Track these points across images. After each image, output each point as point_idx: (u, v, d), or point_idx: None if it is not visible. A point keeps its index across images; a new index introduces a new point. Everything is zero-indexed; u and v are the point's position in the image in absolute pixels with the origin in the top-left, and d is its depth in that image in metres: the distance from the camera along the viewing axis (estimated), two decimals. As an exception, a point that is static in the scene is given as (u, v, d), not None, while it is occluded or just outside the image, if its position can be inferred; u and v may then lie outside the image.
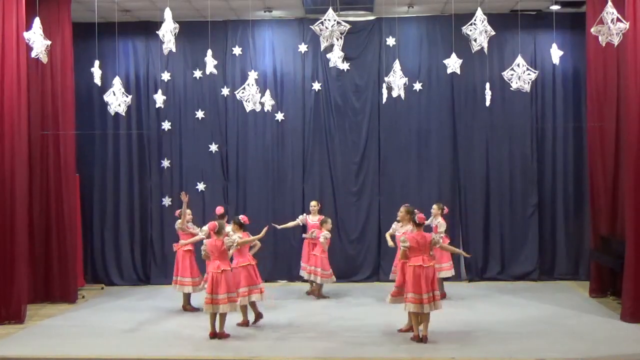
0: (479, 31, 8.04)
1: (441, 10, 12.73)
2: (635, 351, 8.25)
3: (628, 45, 9.42)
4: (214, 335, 8.97)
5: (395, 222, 10.48)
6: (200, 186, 13.19)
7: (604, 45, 7.96)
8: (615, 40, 7.65)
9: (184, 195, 10.56)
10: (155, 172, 13.30)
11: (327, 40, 7.89)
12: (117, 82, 9.32)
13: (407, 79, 10.60)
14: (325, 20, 7.80)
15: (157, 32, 8.25)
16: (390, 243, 10.31)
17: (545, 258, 12.99)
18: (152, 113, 13.24)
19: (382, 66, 12.90)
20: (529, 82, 8.84)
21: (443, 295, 10.30)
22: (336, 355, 8.32)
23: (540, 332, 9.13)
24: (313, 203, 11.98)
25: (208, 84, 13.19)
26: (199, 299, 10.60)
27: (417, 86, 12.98)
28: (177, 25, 8.10)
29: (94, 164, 13.24)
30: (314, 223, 11.67)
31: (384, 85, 10.99)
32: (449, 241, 10.93)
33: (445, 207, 11.35)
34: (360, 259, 13.10)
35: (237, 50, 13.16)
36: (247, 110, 10.66)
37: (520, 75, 8.77)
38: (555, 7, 12.06)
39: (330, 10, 7.83)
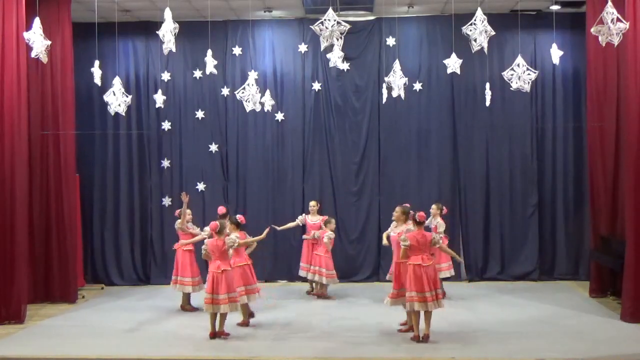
0: (479, 31, 8.03)
1: (441, 10, 12.73)
2: (635, 351, 8.25)
3: (628, 45, 9.42)
4: (214, 335, 8.97)
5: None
6: (200, 186, 13.19)
7: (604, 45, 7.96)
8: (615, 40, 7.65)
9: (184, 196, 10.56)
10: (155, 172, 13.30)
11: (327, 40, 7.89)
12: (117, 82, 9.32)
13: (407, 79, 10.60)
14: (325, 20, 7.79)
15: (157, 32, 8.25)
16: (384, 242, 10.25)
17: (545, 258, 12.99)
18: (152, 113, 13.25)
19: (382, 66, 12.90)
20: (529, 82, 8.84)
21: (443, 295, 10.28)
22: (336, 355, 8.32)
23: (540, 332, 9.13)
24: (312, 203, 11.98)
25: (208, 84, 13.19)
26: (199, 299, 10.60)
27: (417, 86, 12.98)
28: (177, 25, 8.09)
29: (94, 164, 13.24)
30: (314, 223, 11.67)
31: (384, 85, 10.99)
32: (447, 241, 10.93)
33: (444, 207, 11.35)
34: (360, 259, 13.10)
35: (237, 50, 13.16)
36: (247, 110, 10.67)
37: (520, 75, 8.77)
38: (555, 7, 12.06)
39: (330, 10, 7.83)
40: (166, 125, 13.24)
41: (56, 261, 11.31)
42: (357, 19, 12.84)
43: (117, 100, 9.24)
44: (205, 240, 9.36)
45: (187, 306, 10.71)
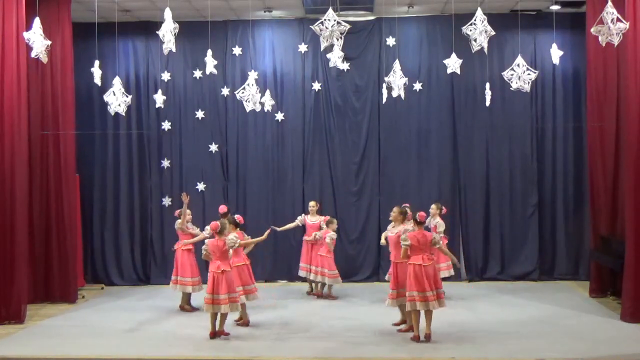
0: (479, 31, 8.03)
1: (441, 10, 12.73)
2: (635, 351, 8.25)
3: (628, 45, 9.42)
4: (214, 335, 8.97)
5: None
6: (200, 186, 13.19)
7: (604, 45, 7.96)
8: (615, 40, 7.65)
9: (184, 196, 10.55)
10: (155, 172, 13.30)
11: (327, 40, 7.88)
12: (117, 82, 9.32)
13: (407, 79, 10.60)
14: (325, 20, 7.79)
15: (157, 32, 8.25)
16: (382, 241, 10.19)
17: (545, 258, 12.99)
18: (152, 113, 13.24)
19: (382, 66, 12.90)
20: (529, 82, 8.84)
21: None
22: (336, 355, 8.32)
23: (540, 332, 9.13)
24: (312, 203, 11.98)
25: (208, 84, 13.19)
26: (199, 299, 10.60)
27: (417, 86, 12.98)
28: (177, 25, 8.09)
29: (94, 164, 13.24)
30: (313, 223, 11.67)
31: (384, 85, 10.99)
32: (446, 241, 10.92)
33: (443, 207, 11.36)
34: (360, 259, 13.10)
35: (237, 50, 13.16)
36: (247, 110, 10.66)
37: (520, 75, 8.77)
38: (555, 7, 12.06)
39: (330, 10, 7.83)
40: (166, 125, 13.24)
41: (56, 261, 11.31)
42: (357, 19, 12.84)
43: (117, 100, 9.23)
44: (205, 241, 9.35)
45: (186, 306, 10.70)
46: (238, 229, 9.70)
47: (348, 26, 7.93)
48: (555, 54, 9.13)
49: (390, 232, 9.32)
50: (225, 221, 9.48)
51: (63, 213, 11.33)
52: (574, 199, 12.96)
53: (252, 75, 10.52)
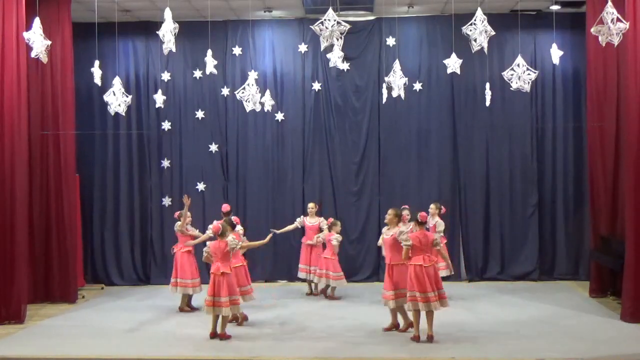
0: (479, 31, 8.03)
1: (441, 10, 12.73)
2: (635, 351, 8.25)
3: (628, 45, 9.42)
4: (214, 335, 8.97)
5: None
6: (200, 186, 13.19)
7: (604, 45, 7.96)
8: (615, 40, 7.65)
9: (186, 198, 10.53)
10: (155, 172, 13.30)
11: (327, 40, 7.88)
12: (117, 82, 9.32)
13: (407, 79, 10.60)
14: (325, 20, 7.79)
15: (157, 32, 8.25)
16: (379, 242, 10.10)
17: (545, 258, 12.99)
18: (152, 113, 13.24)
19: (382, 66, 12.90)
20: (529, 82, 8.84)
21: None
22: (336, 355, 8.32)
23: (540, 332, 9.13)
24: (311, 205, 11.97)
25: (208, 84, 13.19)
26: (199, 299, 10.61)
27: (417, 86, 12.98)
28: (177, 25, 8.09)
29: (94, 164, 13.24)
30: (312, 225, 11.68)
31: (384, 85, 10.99)
32: (445, 240, 10.91)
33: (442, 207, 11.36)
34: (360, 259, 13.10)
35: (237, 50, 13.16)
36: (247, 110, 10.66)
37: (520, 75, 8.77)
38: (555, 7, 12.06)
39: (330, 10, 7.83)
40: (166, 125, 13.24)
41: (56, 261, 11.31)
42: (357, 19, 12.84)
43: (117, 100, 9.24)
44: (207, 243, 9.33)
45: (185, 307, 10.67)
46: (234, 230, 9.71)
47: (348, 26, 7.93)
48: (555, 54, 9.13)
49: (386, 234, 9.22)
50: (227, 224, 9.46)
51: (63, 213, 11.33)
52: (574, 199, 12.96)
53: (252, 75, 10.52)
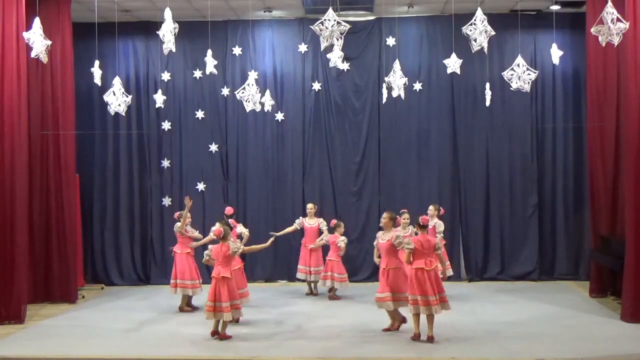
0: (479, 31, 8.03)
1: (441, 10, 12.73)
2: (635, 351, 8.24)
3: (628, 45, 9.41)
4: (215, 333, 8.96)
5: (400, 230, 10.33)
6: (200, 186, 13.18)
7: (604, 45, 7.96)
8: (615, 40, 7.64)
9: (188, 200, 10.53)
10: (155, 172, 13.30)
11: (327, 40, 7.88)
12: (117, 82, 9.33)
13: (407, 79, 10.61)
14: (325, 20, 7.79)
15: (157, 32, 8.25)
16: (374, 243, 10.02)
17: (545, 258, 12.99)
18: (152, 113, 13.24)
19: (382, 66, 12.90)
20: (529, 82, 8.84)
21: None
22: (336, 355, 8.32)
23: (540, 332, 9.13)
24: (309, 206, 11.97)
25: (208, 84, 13.18)
26: (199, 299, 10.61)
27: (417, 86, 12.98)
28: (177, 25, 8.09)
29: (94, 164, 13.24)
30: (311, 226, 11.67)
31: (384, 85, 10.99)
32: (444, 242, 10.87)
33: (441, 208, 11.35)
34: (360, 259, 13.09)
35: (237, 50, 13.16)
36: (247, 110, 10.67)
37: (520, 75, 8.77)
38: (555, 7, 12.06)
39: (330, 10, 7.83)
40: (166, 125, 13.24)
41: (56, 261, 11.31)
42: (357, 19, 12.84)
43: (117, 100, 9.24)
44: (209, 246, 9.33)
45: (185, 308, 10.67)
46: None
47: (348, 26, 7.92)
48: (555, 54, 9.13)
49: (381, 238, 9.15)
50: (228, 227, 9.47)
51: (63, 213, 11.33)
52: (574, 199, 12.96)
53: (252, 75, 10.52)
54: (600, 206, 11.15)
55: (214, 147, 13.24)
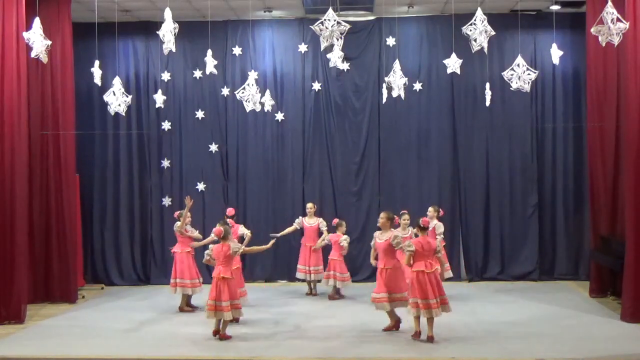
0: (479, 31, 8.03)
1: (441, 10, 12.73)
2: (635, 351, 8.25)
3: (628, 45, 9.41)
4: (216, 333, 8.96)
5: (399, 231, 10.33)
6: (200, 186, 13.18)
7: (604, 45, 7.96)
8: (615, 40, 7.65)
9: (188, 199, 10.53)
10: (155, 172, 13.30)
11: (327, 40, 7.88)
12: (117, 82, 9.33)
13: (407, 79, 10.61)
14: (325, 20, 7.79)
15: (157, 32, 8.26)
16: (372, 243, 10.00)
17: (545, 258, 12.99)
18: (152, 113, 13.24)
19: (382, 66, 12.90)
20: (529, 82, 8.84)
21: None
22: (336, 355, 8.32)
23: (540, 332, 9.13)
24: (309, 205, 11.97)
25: (208, 84, 13.18)
26: (199, 298, 10.61)
27: (417, 86, 12.98)
28: (177, 25, 8.09)
29: (94, 164, 13.24)
30: (311, 226, 11.67)
31: (384, 85, 10.99)
32: (444, 243, 10.88)
33: (441, 210, 11.35)
34: (360, 259, 13.08)
35: (237, 50, 13.16)
36: (247, 110, 10.67)
37: (520, 75, 8.77)
38: (555, 7, 12.06)
39: (330, 10, 7.83)
40: (166, 125, 13.24)
41: (56, 261, 11.31)
42: (357, 19, 12.84)
43: (117, 100, 9.24)
44: (209, 246, 9.33)
45: (186, 307, 10.67)
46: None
47: (348, 26, 7.92)
48: (555, 54, 9.13)
49: (379, 238, 9.14)
50: (228, 227, 9.46)
51: (63, 213, 11.33)
52: (574, 199, 12.96)
53: (252, 75, 10.52)
54: (600, 206, 11.15)
55: (214, 147, 13.24)
